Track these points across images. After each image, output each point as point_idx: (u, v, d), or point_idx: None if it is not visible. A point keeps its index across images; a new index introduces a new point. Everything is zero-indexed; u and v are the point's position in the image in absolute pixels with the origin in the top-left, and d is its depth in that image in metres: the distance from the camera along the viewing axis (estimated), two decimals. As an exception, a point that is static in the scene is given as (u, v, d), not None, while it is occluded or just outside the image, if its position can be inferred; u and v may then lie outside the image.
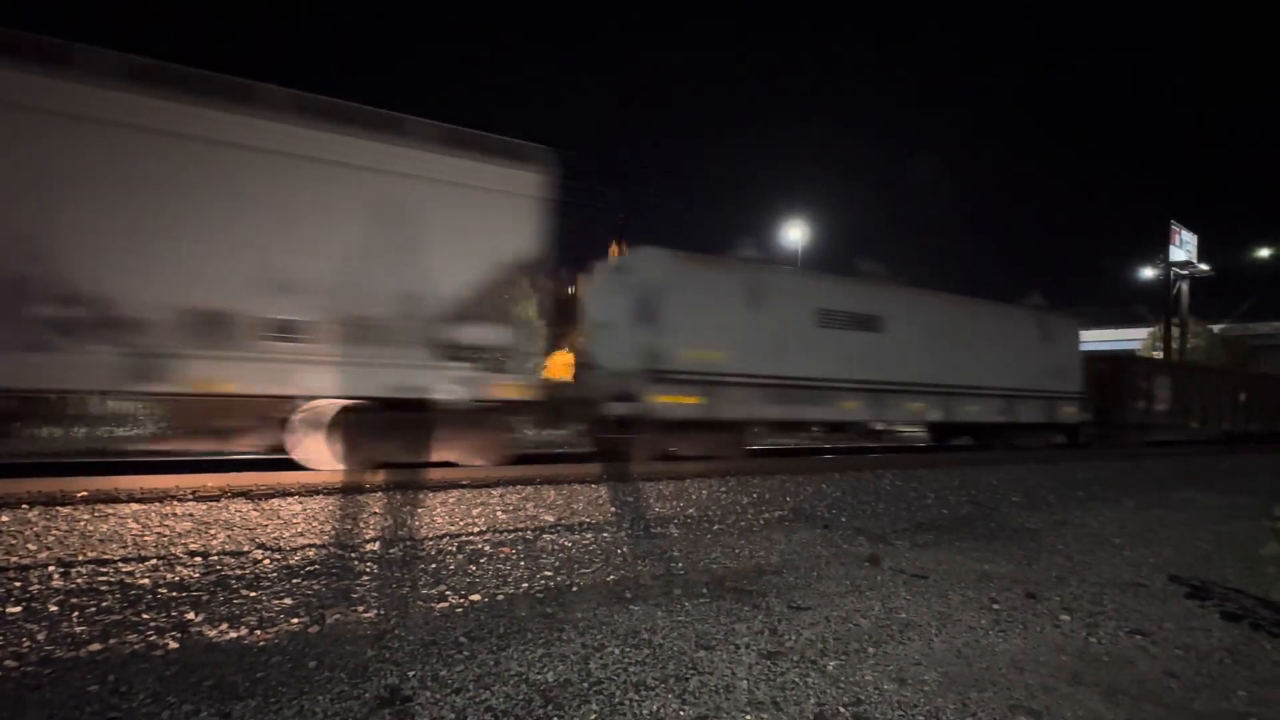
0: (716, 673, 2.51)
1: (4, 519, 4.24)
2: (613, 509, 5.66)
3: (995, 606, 3.44)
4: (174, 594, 3.25)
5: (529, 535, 4.66)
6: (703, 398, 8.16)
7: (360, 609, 3.12)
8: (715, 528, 5.18)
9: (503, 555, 4.14)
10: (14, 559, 3.66)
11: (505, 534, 4.68)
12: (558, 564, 3.99)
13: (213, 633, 2.79)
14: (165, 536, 4.21)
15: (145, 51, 6.27)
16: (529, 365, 7.09)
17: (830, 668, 2.60)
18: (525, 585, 3.56)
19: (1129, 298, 37.95)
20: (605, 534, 4.81)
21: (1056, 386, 12.33)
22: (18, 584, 3.29)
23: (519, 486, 6.35)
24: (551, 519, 5.19)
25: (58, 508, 4.68)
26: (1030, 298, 13.32)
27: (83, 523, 4.38)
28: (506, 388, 6.90)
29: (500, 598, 3.34)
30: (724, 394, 8.32)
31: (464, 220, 6.68)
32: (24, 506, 4.65)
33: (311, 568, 3.75)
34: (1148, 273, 36.60)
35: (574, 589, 3.53)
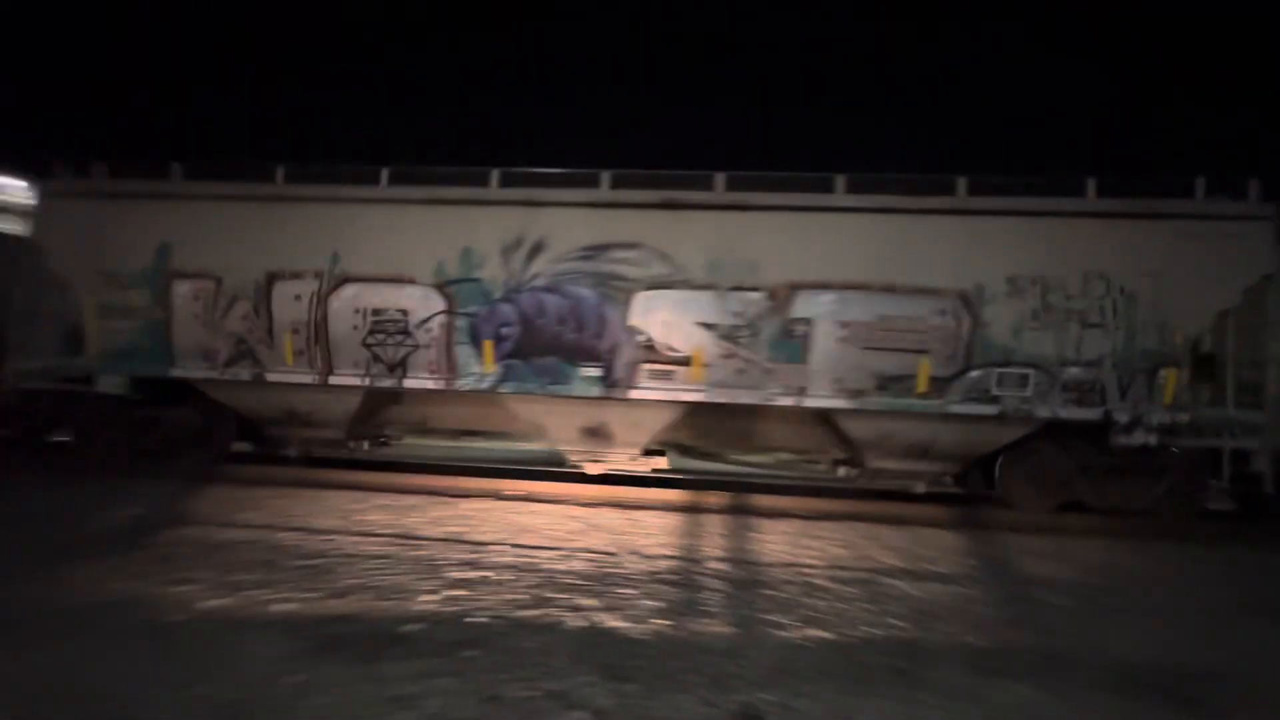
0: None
1: (464, 509, 5.88)
2: (969, 561, 4.99)
3: None
4: (572, 581, 4.02)
5: (866, 576, 4.42)
6: None
7: (707, 621, 3.39)
8: (1114, 602, 4.13)
9: (841, 593, 4.01)
10: (475, 537, 5.03)
11: (842, 570, 4.53)
12: (904, 613, 3.69)
13: (602, 618, 3.36)
14: (562, 533, 5.26)
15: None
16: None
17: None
18: (867, 629, 3.39)
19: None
20: (959, 588, 4.26)
21: None
22: (479, 555, 4.50)
23: (851, 522, 6.11)
24: (893, 562, 4.84)
25: (493, 501, 6.28)
26: None
27: (512, 516, 5.77)
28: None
29: (841, 639, 3.24)
30: None
31: None
32: (473, 499, 6.37)
33: (668, 575, 4.22)
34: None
35: (926, 645, 3.21)
